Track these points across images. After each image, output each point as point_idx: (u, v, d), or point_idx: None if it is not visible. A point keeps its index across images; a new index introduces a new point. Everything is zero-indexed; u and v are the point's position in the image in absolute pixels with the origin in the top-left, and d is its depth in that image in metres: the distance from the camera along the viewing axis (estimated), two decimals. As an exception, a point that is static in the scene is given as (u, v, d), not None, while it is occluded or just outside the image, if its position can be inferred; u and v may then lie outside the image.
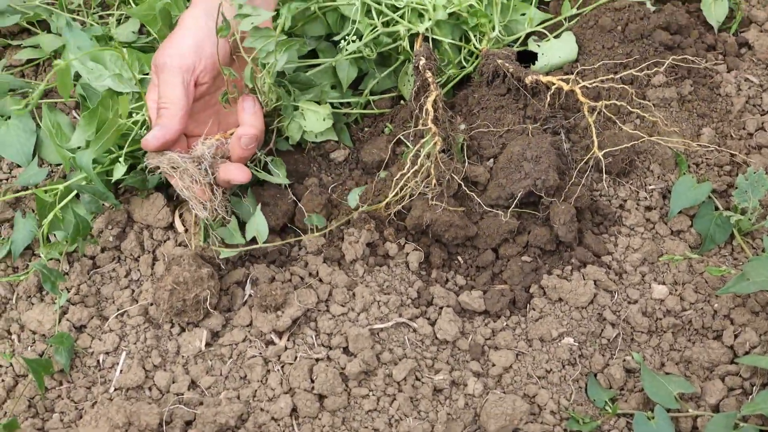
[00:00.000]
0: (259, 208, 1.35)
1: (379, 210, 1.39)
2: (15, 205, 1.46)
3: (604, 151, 1.37)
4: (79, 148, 1.35)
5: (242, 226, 1.36)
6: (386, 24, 1.49)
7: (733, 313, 1.33)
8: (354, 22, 1.46)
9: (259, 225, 1.34)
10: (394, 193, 1.36)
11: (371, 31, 1.47)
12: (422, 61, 1.43)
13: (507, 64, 1.45)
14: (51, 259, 1.37)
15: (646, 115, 1.43)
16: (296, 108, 1.43)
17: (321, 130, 1.44)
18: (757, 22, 1.68)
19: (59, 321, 1.32)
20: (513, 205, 1.38)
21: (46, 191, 1.34)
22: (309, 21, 1.51)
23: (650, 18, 1.55)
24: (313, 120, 1.44)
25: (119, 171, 1.34)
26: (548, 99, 1.43)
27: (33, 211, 1.43)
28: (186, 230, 1.40)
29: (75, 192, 1.36)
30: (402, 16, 1.49)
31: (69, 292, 1.36)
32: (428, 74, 1.42)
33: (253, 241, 1.34)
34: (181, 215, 1.42)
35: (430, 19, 1.49)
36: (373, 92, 1.55)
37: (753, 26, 1.67)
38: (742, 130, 1.52)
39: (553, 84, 1.42)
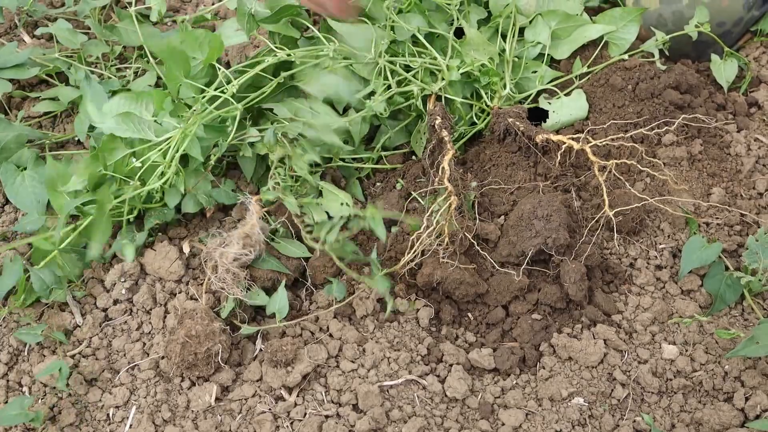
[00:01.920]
0: (282, 285, 1.37)
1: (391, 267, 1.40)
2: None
3: (615, 210, 1.38)
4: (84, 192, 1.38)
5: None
6: (399, 83, 1.51)
7: (743, 375, 1.32)
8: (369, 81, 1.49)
9: (280, 303, 1.36)
10: (412, 253, 1.36)
11: (385, 90, 1.49)
12: (438, 120, 1.45)
13: (518, 123, 1.47)
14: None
15: (656, 174, 1.44)
16: (319, 192, 1.45)
17: (342, 215, 1.45)
18: (767, 82, 1.69)
19: (70, 374, 1.32)
20: (524, 263, 1.38)
21: (44, 239, 1.36)
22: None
23: (660, 77, 1.57)
24: (333, 204, 1.45)
25: (129, 252, 1.34)
26: (558, 158, 1.45)
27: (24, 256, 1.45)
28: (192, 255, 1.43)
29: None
30: (415, 76, 1.51)
31: (81, 344, 1.36)
32: (444, 133, 1.43)
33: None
34: (192, 247, 1.44)
35: (443, 79, 1.51)
36: (385, 147, 1.57)
37: (763, 86, 1.68)
38: (752, 189, 1.52)
39: (564, 143, 1.43)
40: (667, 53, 1.66)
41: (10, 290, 1.40)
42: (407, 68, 1.52)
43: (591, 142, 1.42)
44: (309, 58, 1.47)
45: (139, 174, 1.39)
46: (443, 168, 1.40)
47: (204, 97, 1.42)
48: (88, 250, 1.34)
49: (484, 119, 1.58)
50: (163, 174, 1.39)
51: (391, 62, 1.50)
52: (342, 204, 1.45)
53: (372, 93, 1.50)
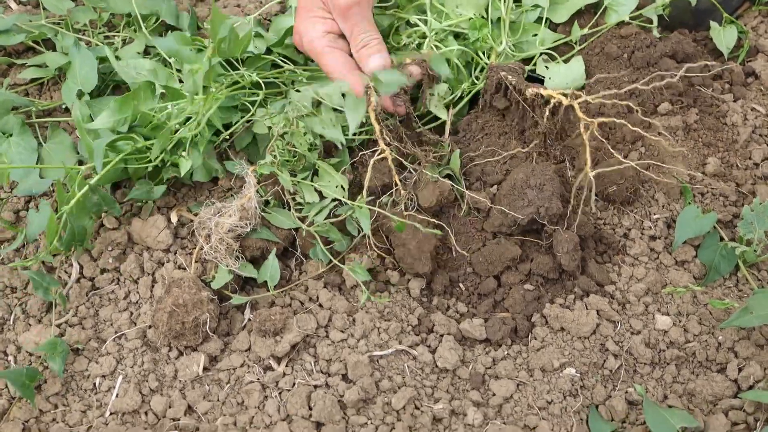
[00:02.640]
0: (273, 252, 1.36)
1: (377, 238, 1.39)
2: (16, 224, 1.46)
3: (596, 171, 1.33)
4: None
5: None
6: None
7: (737, 345, 1.31)
8: None
9: (272, 271, 1.34)
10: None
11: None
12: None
13: (510, 77, 1.43)
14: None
15: (650, 137, 1.40)
16: (315, 171, 1.44)
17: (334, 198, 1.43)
18: (765, 52, 1.67)
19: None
20: (516, 234, 1.37)
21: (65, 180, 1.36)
22: None
23: (657, 46, 1.54)
24: (328, 185, 1.43)
25: (186, 165, 1.36)
26: (547, 113, 1.40)
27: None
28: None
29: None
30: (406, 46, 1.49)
31: (68, 313, 1.35)
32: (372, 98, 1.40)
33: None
34: (180, 216, 1.43)
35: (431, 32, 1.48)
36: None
37: (760, 56, 1.66)
38: (748, 159, 1.51)
39: (553, 97, 1.39)
40: (667, 19, 1.64)
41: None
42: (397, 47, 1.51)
43: (581, 98, 1.38)
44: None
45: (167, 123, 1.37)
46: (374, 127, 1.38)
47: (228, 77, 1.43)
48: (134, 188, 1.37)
49: (485, 79, 1.54)
50: (195, 125, 1.37)
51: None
52: (337, 186, 1.43)
53: None
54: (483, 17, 1.53)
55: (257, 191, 1.37)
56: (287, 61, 1.53)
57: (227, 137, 1.46)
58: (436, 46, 1.51)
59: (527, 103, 1.43)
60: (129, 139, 1.35)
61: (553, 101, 1.38)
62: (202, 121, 1.36)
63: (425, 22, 1.54)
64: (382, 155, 1.34)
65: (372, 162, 1.33)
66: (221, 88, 1.39)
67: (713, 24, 1.64)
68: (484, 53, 1.54)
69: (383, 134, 1.35)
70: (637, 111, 1.38)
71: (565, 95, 1.36)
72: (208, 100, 1.36)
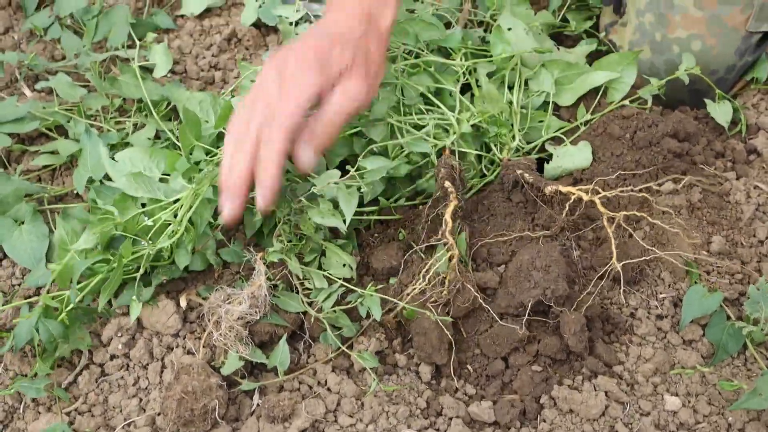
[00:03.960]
0: (284, 338, 1.37)
1: (389, 320, 1.39)
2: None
3: (623, 263, 1.37)
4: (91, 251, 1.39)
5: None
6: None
7: (747, 427, 1.30)
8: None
9: (281, 356, 1.35)
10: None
11: (399, 150, 1.50)
12: (442, 171, 1.45)
13: (526, 174, 1.47)
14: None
15: (664, 225, 1.42)
16: (323, 252, 1.46)
17: (344, 276, 1.44)
18: (766, 129, 1.69)
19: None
20: (524, 315, 1.37)
21: (53, 298, 1.36)
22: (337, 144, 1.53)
23: (658, 126, 1.57)
24: (336, 265, 1.44)
25: (135, 310, 1.40)
26: (567, 208, 1.43)
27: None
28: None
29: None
30: (427, 133, 1.52)
31: (77, 401, 1.35)
32: (447, 184, 1.43)
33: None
34: (189, 300, 1.44)
35: (455, 133, 1.52)
36: (387, 198, 1.56)
37: (761, 133, 1.68)
38: (752, 237, 1.52)
39: (573, 194, 1.42)
40: (663, 98, 1.67)
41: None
42: (417, 127, 1.53)
43: (601, 194, 1.41)
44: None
45: (150, 233, 1.40)
46: (446, 220, 1.39)
47: (213, 159, 1.44)
48: (99, 304, 1.35)
49: (494, 171, 1.58)
50: (174, 233, 1.39)
51: (399, 122, 1.51)
52: (344, 266, 1.45)
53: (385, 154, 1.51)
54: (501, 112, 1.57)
55: (267, 277, 1.38)
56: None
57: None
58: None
59: (544, 201, 1.46)
60: (105, 261, 1.38)
61: (573, 197, 1.41)
62: (182, 222, 1.38)
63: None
64: (450, 253, 1.37)
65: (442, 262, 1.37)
66: (206, 178, 1.40)
67: (708, 102, 1.67)
68: (496, 146, 1.57)
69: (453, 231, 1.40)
70: (652, 201, 1.42)
71: (584, 191, 1.40)
72: (188, 199, 1.39)
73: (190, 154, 1.48)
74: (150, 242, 1.39)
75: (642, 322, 1.41)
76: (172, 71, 1.87)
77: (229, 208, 1.29)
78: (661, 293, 1.44)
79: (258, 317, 1.35)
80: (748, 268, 1.46)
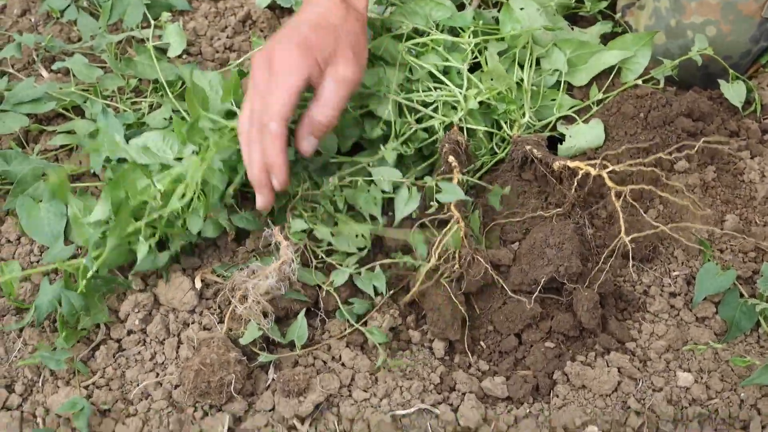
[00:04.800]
0: (303, 312, 1.39)
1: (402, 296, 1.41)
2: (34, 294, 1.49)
3: (631, 236, 1.37)
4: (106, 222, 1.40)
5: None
6: (420, 120, 1.53)
7: (760, 403, 1.31)
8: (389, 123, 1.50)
9: (300, 331, 1.37)
10: (419, 284, 1.37)
11: (407, 128, 1.50)
12: (446, 146, 1.46)
13: (535, 150, 1.47)
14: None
15: (675, 199, 1.41)
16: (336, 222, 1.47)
17: (358, 247, 1.46)
18: (781, 108, 1.69)
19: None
20: (536, 292, 1.38)
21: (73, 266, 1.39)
22: (347, 124, 1.55)
23: (672, 105, 1.57)
24: (350, 236, 1.46)
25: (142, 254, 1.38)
26: (575, 184, 1.44)
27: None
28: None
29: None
30: (435, 110, 1.52)
31: (95, 374, 1.37)
32: (450, 158, 1.44)
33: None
34: (204, 279, 1.46)
35: (462, 110, 1.52)
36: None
37: (776, 112, 1.68)
38: (766, 216, 1.52)
39: (581, 169, 1.42)
40: (677, 79, 1.67)
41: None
42: (425, 105, 1.54)
43: (609, 168, 1.41)
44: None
45: (158, 199, 1.41)
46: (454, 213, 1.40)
47: (220, 127, 1.45)
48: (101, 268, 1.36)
49: (505, 148, 1.59)
50: (183, 195, 1.40)
51: (408, 99, 1.52)
52: (357, 236, 1.46)
53: (388, 135, 1.52)
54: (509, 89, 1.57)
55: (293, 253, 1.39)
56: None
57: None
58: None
59: (553, 176, 1.46)
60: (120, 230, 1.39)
61: (581, 172, 1.41)
62: (189, 188, 1.39)
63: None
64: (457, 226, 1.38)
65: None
66: (212, 146, 1.42)
67: (722, 81, 1.67)
68: (506, 123, 1.57)
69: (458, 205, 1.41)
70: (662, 176, 1.41)
71: (592, 166, 1.40)
72: (195, 164, 1.40)
73: (198, 121, 1.48)
74: (161, 204, 1.40)
75: (655, 299, 1.42)
76: (187, 53, 1.89)
77: (260, 200, 1.38)
78: (674, 271, 1.44)
79: (283, 291, 1.37)
80: (763, 245, 1.46)
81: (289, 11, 1.97)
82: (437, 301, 1.37)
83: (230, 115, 1.50)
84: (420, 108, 1.53)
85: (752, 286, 1.43)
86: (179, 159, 1.49)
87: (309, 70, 1.35)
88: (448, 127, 1.54)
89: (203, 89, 1.49)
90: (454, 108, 1.55)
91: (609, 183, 1.39)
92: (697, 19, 1.67)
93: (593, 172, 1.41)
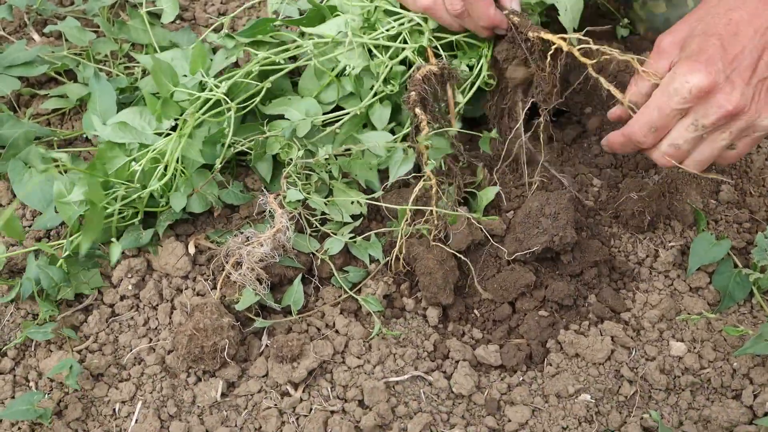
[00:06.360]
0: (299, 278, 1.38)
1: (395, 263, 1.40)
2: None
3: (629, 96, 1.32)
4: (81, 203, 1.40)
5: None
6: (392, 58, 1.47)
7: (752, 372, 1.32)
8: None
9: (296, 296, 1.37)
10: (398, 247, 1.38)
11: (383, 68, 1.45)
12: (412, 96, 1.38)
13: (514, 17, 1.40)
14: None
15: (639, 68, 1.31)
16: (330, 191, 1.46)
17: (353, 213, 1.45)
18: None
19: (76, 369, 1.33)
20: (531, 260, 1.38)
21: (52, 247, 1.40)
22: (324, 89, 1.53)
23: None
24: (345, 203, 1.45)
25: (116, 252, 1.40)
26: (548, 59, 1.37)
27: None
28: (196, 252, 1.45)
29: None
30: (403, 40, 1.47)
31: (88, 339, 1.37)
32: (417, 110, 1.37)
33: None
34: (197, 245, 1.45)
35: (427, 30, 1.45)
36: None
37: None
38: (761, 187, 1.52)
39: (553, 43, 1.35)
40: None
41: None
42: (391, 39, 1.47)
43: (578, 47, 1.33)
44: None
45: (138, 177, 1.40)
46: (420, 151, 1.38)
47: (196, 100, 1.44)
48: (81, 248, 1.31)
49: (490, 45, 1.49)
50: (163, 175, 1.39)
51: (373, 38, 1.45)
52: (352, 203, 1.45)
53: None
54: None
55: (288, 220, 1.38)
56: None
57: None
58: None
59: (529, 51, 1.39)
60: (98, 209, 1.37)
61: (553, 47, 1.35)
62: (170, 165, 1.39)
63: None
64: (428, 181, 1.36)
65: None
66: (191, 120, 1.41)
67: None
68: None
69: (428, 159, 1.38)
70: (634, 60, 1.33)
71: (564, 39, 1.34)
72: (174, 140, 1.39)
73: (171, 97, 1.47)
74: (140, 186, 1.40)
75: (649, 269, 1.42)
76: (181, 18, 1.87)
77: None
78: (669, 241, 1.44)
79: (277, 259, 1.36)
80: (757, 217, 1.47)
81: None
82: (429, 265, 1.36)
83: (203, 87, 1.49)
84: (389, 44, 1.46)
85: (746, 257, 1.43)
86: (159, 134, 1.48)
87: None
88: (421, 52, 1.47)
89: (169, 64, 1.47)
90: (421, 33, 1.48)
91: (580, 58, 1.33)
92: None
93: (565, 47, 1.34)
